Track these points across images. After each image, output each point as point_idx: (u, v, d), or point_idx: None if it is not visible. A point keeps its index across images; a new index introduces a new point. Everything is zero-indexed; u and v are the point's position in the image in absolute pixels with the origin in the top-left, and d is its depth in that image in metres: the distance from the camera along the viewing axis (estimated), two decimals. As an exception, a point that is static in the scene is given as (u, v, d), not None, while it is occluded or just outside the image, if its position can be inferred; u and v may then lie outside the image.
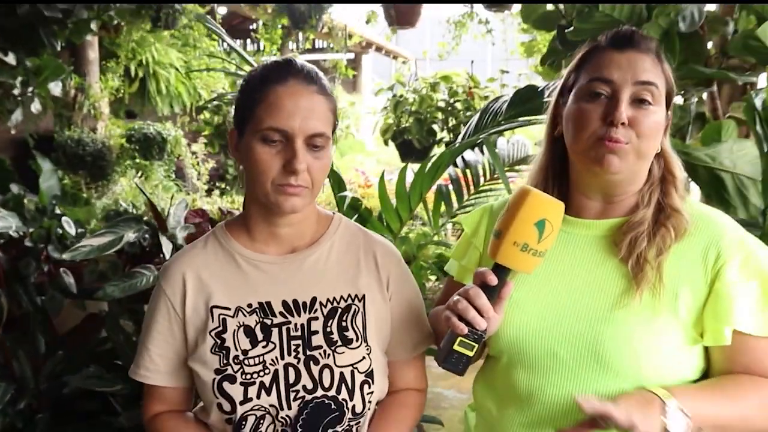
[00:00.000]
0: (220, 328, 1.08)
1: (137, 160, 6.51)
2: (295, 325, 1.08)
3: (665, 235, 1.00)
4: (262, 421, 1.05)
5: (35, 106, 3.58)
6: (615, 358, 0.97)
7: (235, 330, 1.07)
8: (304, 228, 1.12)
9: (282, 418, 1.05)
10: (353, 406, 1.06)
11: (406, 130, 5.18)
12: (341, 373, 1.06)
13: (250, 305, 1.09)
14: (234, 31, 8.00)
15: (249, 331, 1.07)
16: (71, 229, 2.70)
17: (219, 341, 1.07)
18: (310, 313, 1.09)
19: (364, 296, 1.11)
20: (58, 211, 2.93)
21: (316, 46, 10.67)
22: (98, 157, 6.15)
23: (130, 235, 1.93)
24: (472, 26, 6.44)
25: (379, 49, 12.70)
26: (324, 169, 1.06)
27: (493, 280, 0.95)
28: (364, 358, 1.08)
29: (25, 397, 1.99)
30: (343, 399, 1.06)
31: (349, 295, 1.10)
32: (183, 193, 6.66)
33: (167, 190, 6.42)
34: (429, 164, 1.86)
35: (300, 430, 1.04)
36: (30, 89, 3.51)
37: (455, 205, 2.23)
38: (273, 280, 1.10)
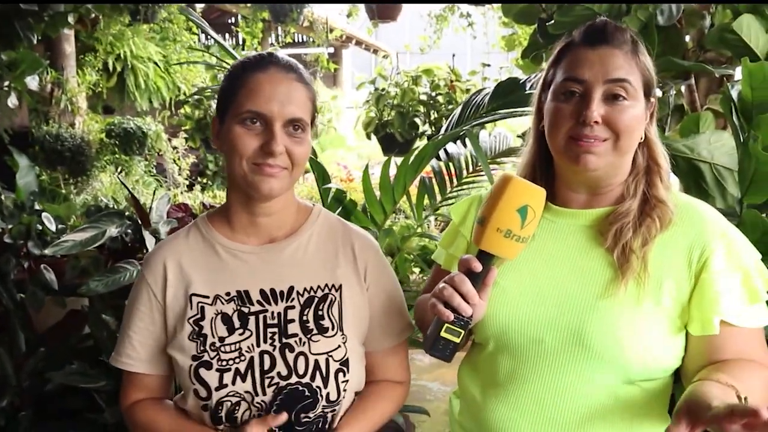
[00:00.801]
0: (198, 316, 1.10)
1: (117, 156, 6.43)
2: (272, 313, 1.10)
3: (650, 226, 1.02)
4: (237, 407, 1.07)
5: (11, 101, 3.52)
6: (600, 346, 0.99)
7: (212, 318, 1.09)
8: (283, 218, 1.14)
9: (257, 403, 1.07)
10: (327, 394, 1.08)
11: (388, 123, 5.18)
12: (316, 361, 1.08)
13: (228, 293, 1.11)
14: (212, 25, 7.93)
15: (226, 319, 1.09)
16: (51, 225, 2.67)
17: (197, 328, 1.09)
18: (287, 302, 1.11)
19: (341, 286, 1.12)
20: (37, 207, 2.89)
21: (296, 40, 10.61)
22: (77, 152, 6.06)
23: (113, 230, 1.91)
24: (453, 20, 6.44)
25: (359, 43, 12.66)
26: (304, 154, 1.09)
27: (478, 266, 0.96)
28: (339, 346, 1.10)
29: (7, 395, 1.97)
30: (317, 386, 1.08)
31: (326, 285, 1.12)
32: (164, 188, 6.59)
33: (148, 185, 6.34)
34: (412, 157, 1.87)
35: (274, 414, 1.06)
36: (6, 83, 3.45)
37: (438, 197, 2.24)
38: (251, 270, 1.11)
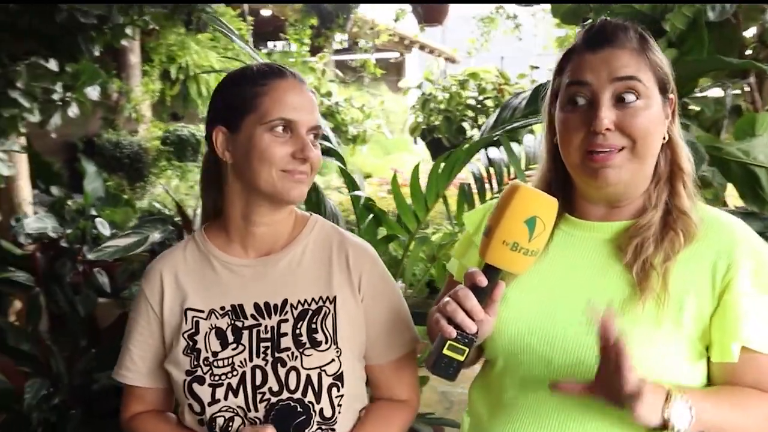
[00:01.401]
0: (193, 330, 1.09)
1: (172, 162, 6.63)
2: (266, 327, 1.08)
3: (673, 240, 0.94)
4: (231, 423, 1.05)
5: (72, 111, 3.69)
6: None
7: (207, 332, 1.09)
8: (281, 228, 1.13)
9: (251, 419, 1.05)
10: (321, 410, 1.05)
11: (435, 128, 5.13)
12: (308, 376, 1.05)
13: (222, 308, 1.09)
14: (275, 33, 8.05)
15: (220, 333, 1.08)
16: (105, 230, 2.78)
17: (191, 343, 1.09)
18: (280, 316, 1.08)
19: (335, 297, 1.10)
20: (93, 213, 3.02)
21: (347, 46, 10.70)
22: (135, 159, 6.30)
23: (156, 236, 1.96)
24: (501, 22, 6.32)
25: (423, 47, 12.72)
26: (320, 160, 1.10)
27: (483, 281, 0.91)
28: (333, 360, 1.07)
29: (60, 393, 2.05)
30: (309, 402, 1.05)
31: (321, 297, 1.09)
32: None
33: (202, 191, 6.51)
34: (443, 163, 1.83)
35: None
36: (68, 94, 3.62)
37: (478, 203, 2.19)
38: (246, 283, 1.10)
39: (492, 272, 0.92)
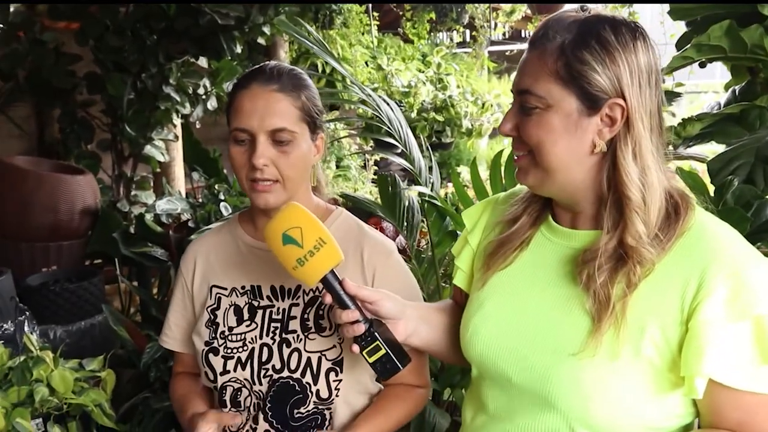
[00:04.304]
0: (215, 305, 1.20)
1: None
2: (278, 309, 1.16)
3: (629, 272, 0.84)
4: (239, 393, 1.15)
5: (211, 104, 4.09)
6: (561, 401, 0.86)
7: (227, 308, 1.18)
8: None
9: (255, 391, 1.14)
10: (317, 391, 1.11)
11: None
12: (308, 358, 1.12)
13: (243, 287, 1.19)
14: (394, 27, 8.16)
15: (238, 310, 1.18)
16: (227, 213, 3.05)
17: (212, 317, 1.19)
18: (292, 300, 1.16)
19: None
20: (222, 197, 3.32)
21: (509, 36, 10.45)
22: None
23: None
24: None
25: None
26: (293, 163, 1.11)
27: (328, 298, 0.98)
28: (334, 346, 1.12)
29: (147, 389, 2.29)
30: (306, 382, 1.11)
31: None
32: (350, 181, 6.99)
33: (334, 179, 6.80)
34: (503, 157, 1.76)
35: (270, 404, 1.13)
36: (209, 89, 4.02)
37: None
38: (265, 266, 1.17)
39: (325, 283, 0.98)
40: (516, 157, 0.93)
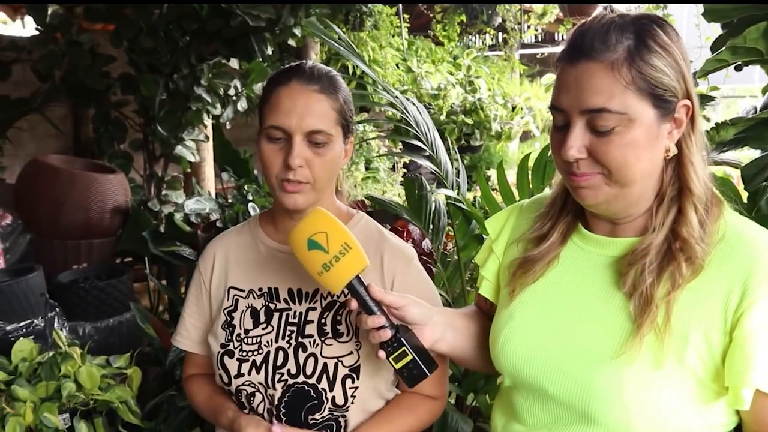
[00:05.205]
0: (232, 307, 1.18)
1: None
2: (295, 312, 1.14)
3: (676, 271, 0.82)
4: (253, 396, 1.13)
5: (241, 104, 4.13)
6: (601, 412, 0.84)
7: (243, 310, 1.16)
8: None
9: (269, 395, 1.11)
10: (333, 397, 1.09)
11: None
12: (324, 364, 1.09)
13: (260, 289, 1.17)
14: (424, 29, 8.13)
15: (254, 313, 1.16)
16: (254, 213, 3.07)
17: (229, 318, 1.17)
18: (310, 303, 1.14)
19: None
20: (250, 198, 3.35)
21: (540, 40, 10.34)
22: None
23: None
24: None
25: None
26: (327, 165, 1.09)
27: (353, 304, 0.96)
28: (351, 352, 1.10)
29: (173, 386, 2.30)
30: (322, 388, 1.09)
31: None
32: (380, 183, 6.99)
33: (363, 181, 6.80)
34: (530, 161, 1.73)
35: (284, 410, 1.10)
36: (240, 90, 4.06)
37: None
38: (284, 269, 1.16)
39: (351, 289, 0.96)
40: (581, 175, 0.86)
